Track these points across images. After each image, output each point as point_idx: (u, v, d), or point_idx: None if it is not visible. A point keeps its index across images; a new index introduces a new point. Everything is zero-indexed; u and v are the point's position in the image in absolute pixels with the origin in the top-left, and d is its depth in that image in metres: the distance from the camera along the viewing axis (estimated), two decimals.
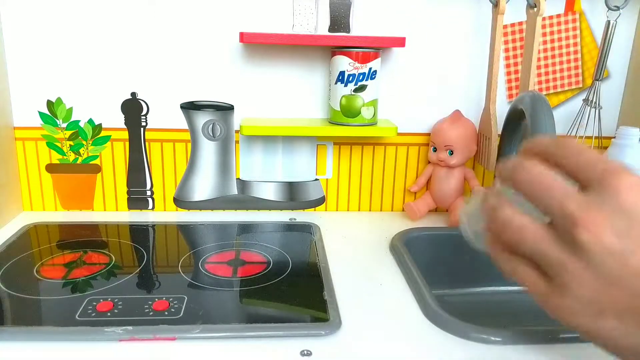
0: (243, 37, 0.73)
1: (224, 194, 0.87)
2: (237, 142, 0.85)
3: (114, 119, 0.82)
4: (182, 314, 0.54)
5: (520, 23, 0.83)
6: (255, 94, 0.83)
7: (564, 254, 0.32)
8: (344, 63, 0.76)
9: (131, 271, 0.65)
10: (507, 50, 0.84)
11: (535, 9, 0.75)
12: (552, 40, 0.84)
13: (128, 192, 0.86)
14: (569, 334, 0.53)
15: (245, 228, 0.80)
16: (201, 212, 0.87)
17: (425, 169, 0.87)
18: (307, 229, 0.81)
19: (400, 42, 0.76)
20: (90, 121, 0.82)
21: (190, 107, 0.82)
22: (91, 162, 0.83)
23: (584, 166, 0.32)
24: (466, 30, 0.83)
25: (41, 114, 0.81)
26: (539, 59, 0.85)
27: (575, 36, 0.84)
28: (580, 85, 0.87)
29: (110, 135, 0.83)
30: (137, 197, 0.86)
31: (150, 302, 0.56)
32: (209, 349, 0.49)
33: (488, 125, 0.81)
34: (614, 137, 0.81)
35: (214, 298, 0.58)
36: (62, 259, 0.67)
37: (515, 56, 0.84)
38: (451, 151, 0.82)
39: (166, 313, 0.54)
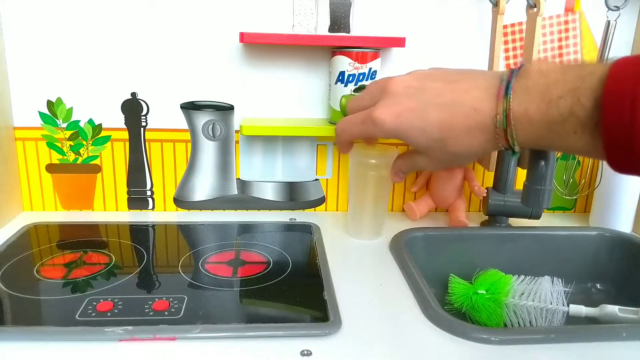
0: (243, 37, 0.73)
1: (224, 194, 0.87)
2: (237, 142, 0.85)
3: (114, 119, 0.82)
4: (182, 314, 0.54)
5: (520, 23, 0.83)
6: (255, 94, 0.83)
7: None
8: (344, 63, 0.76)
9: (131, 271, 0.65)
10: (507, 50, 0.84)
11: (535, 9, 0.75)
12: (552, 40, 0.84)
13: (128, 192, 0.86)
14: (568, 333, 0.53)
15: (245, 228, 0.80)
16: (201, 212, 0.87)
17: None
18: (307, 229, 0.81)
19: (400, 42, 0.76)
20: (90, 121, 0.82)
21: (190, 107, 0.82)
22: (91, 162, 0.84)
23: (369, 97, 0.49)
24: (466, 30, 0.83)
25: (41, 114, 0.81)
26: (539, 59, 0.85)
27: (575, 36, 0.84)
28: None
29: (110, 135, 0.83)
30: (137, 197, 0.86)
31: (150, 302, 0.56)
32: (209, 349, 0.49)
33: None
34: None
35: (214, 298, 0.58)
36: (62, 259, 0.67)
37: (515, 56, 0.84)
38: None
39: (166, 313, 0.54)
